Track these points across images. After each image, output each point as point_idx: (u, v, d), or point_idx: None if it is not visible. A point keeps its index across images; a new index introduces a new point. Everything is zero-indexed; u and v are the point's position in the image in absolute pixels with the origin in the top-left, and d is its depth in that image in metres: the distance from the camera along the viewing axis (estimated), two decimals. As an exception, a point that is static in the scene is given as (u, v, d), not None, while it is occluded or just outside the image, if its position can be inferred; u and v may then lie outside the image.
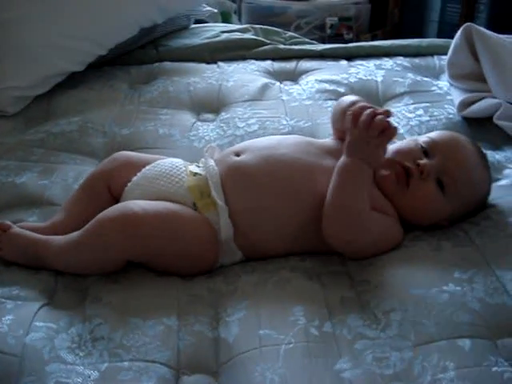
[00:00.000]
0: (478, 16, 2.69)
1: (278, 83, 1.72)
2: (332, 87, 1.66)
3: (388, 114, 1.08)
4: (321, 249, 1.13)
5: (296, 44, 1.99)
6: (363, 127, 1.07)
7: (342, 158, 1.10)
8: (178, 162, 1.21)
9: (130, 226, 1.06)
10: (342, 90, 1.66)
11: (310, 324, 0.97)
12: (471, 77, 1.59)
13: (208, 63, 1.85)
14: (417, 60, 1.83)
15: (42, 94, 1.67)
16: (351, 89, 1.66)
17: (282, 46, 1.93)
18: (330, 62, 1.83)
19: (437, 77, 1.75)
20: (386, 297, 1.01)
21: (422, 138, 1.21)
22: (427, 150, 1.17)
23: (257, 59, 1.86)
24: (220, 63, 1.84)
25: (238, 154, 1.19)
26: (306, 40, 2.08)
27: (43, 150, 1.43)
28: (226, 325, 0.99)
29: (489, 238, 1.12)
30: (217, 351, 0.96)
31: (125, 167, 1.21)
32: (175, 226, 1.09)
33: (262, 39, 1.96)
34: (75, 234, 1.10)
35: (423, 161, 1.15)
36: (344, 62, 1.83)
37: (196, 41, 1.96)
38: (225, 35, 1.98)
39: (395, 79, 1.70)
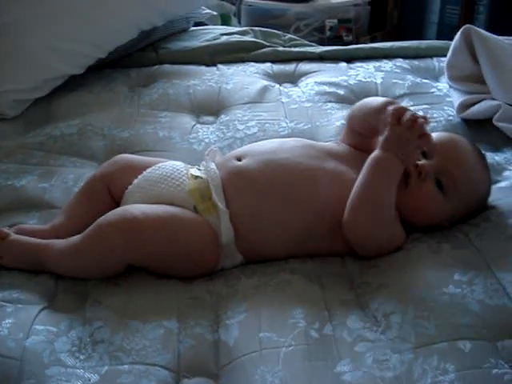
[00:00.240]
0: (477, 18, 2.69)
1: (277, 85, 1.72)
2: (331, 89, 1.66)
3: (427, 121, 1.09)
4: (322, 252, 1.13)
5: (295, 46, 1.99)
6: (407, 125, 1.08)
7: (376, 152, 1.10)
8: (178, 164, 1.21)
9: (130, 231, 1.06)
10: (341, 92, 1.66)
11: (310, 326, 0.97)
12: (471, 78, 1.59)
13: (208, 66, 1.85)
14: (416, 62, 1.83)
15: (42, 97, 1.66)
16: (351, 91, 1.66)
17: (281, 49, 1.93)
18: (329, 64, 1.82)
19: (436, 79, 1.76)
20: (386, 299, 1.01)
21: (422, 139, 1.21)
22: (426, 151, 1.17)
23: (256, 61, 1.86)
24: (220, 66, 1.84)
25: (239, 159, 1.18)
26: (306, 42, 2.07)
27: (43, 153, 1.43)
28: (227, 327, 0.99)
29: (489, 240, 1.12)
30: (217, 354, 0.96)
31: (125, 170, 1.21)
32: (176, 230, 1.09)
33: (262, 41, 1.96)
34: (75, 238, 1.10)
35: (421, 162, 1.15)
36: (343, 64, 1.82)
37: (195, 43, 1.95)
38: (224, 38, 1.98)
39: (395, 81, 1.70)
